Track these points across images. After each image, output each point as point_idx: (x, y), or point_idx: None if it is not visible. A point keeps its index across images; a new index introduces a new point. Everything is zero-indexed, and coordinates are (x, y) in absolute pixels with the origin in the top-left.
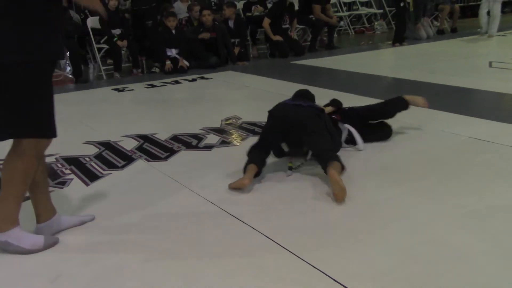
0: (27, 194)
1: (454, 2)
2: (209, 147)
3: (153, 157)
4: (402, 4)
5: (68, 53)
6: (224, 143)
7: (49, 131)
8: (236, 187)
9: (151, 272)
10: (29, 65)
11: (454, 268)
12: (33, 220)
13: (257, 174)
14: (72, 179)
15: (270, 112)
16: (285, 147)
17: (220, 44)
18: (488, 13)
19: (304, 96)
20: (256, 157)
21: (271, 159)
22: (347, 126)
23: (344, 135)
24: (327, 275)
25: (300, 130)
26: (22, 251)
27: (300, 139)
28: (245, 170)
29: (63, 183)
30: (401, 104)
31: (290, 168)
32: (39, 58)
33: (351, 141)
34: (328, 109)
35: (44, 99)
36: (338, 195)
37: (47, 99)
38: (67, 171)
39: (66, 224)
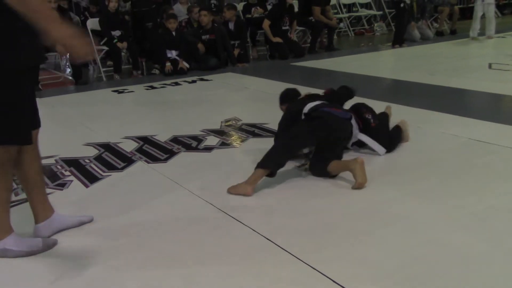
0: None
1: (453, 4)
2: (208, 148)
3: (152, 158)
4: (402, 5)
5: (68, 55)
6: (224, 144)
7: (13, 138)
8: (238, 194)
9: (151, 273)
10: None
11: (454, 268)
12: (32, 222)
13: (270, 175)
14: (72, 180)
15: (321, 119)
16: (305, 149)
17: (219, 46)
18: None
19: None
20: (279, 161)
21: None
22: (360, 135)
23: (351, 141)
24: (326, 276)
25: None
26: (21, 254)
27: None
28: (260, 167)
29: (62, 185)
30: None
31: (306, 169)
32: (7, 67)
33: (356, 143)
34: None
35: (13, 106)
36: (363, 184)
37: (18, 106)
38: (67, 173)
39: (64, 223)
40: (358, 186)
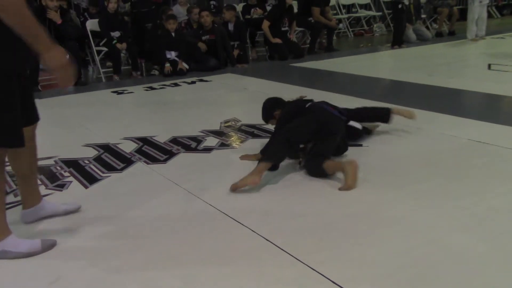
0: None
1: (452, 5)
2: (208, 149)
3: (152, 159)
4: (400, 6)
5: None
6: (223, 145)
7: (4, 140)
8: (246, 185)
9: (150, 274)
10: None
11: (454, 270)
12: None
13: (273, 168)
14: (71, 181)
15: (314, 113)
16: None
17: (219, 47)
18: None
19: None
20: (281, 154)
21: None
22: None
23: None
24: (326, 277)
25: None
26: (21, 255)
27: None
28: (264, 160)
29: (62, 186)
30: (381, 114)
31: (300, 163)
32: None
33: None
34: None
35: (5, 109)
36: (351, 188)
37: (9, 109)
38: (66, 174)
39: (49, 210)
40: (347, 188)
